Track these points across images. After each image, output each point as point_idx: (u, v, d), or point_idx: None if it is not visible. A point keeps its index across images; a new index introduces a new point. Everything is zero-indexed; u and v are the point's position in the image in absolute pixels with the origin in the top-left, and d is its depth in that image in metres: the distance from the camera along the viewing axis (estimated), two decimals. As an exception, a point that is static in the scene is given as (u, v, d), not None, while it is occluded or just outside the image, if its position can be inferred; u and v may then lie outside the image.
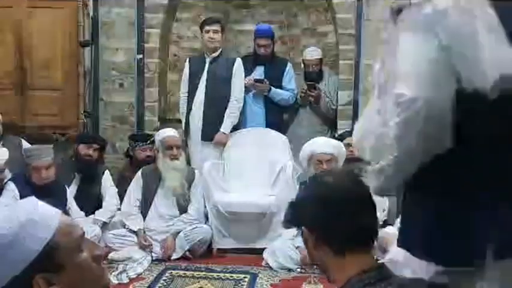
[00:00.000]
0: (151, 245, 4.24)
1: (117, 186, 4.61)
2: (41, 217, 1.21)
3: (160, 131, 4.64)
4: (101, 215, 4.37)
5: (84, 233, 1.26)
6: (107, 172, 4.58)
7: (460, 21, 1.31)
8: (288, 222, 1.49)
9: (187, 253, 4.28)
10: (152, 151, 4.70)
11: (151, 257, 4.19)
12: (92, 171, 4.48)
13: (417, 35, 1.35)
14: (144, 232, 4.30)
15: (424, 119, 1.30)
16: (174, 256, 4.25)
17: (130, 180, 4.52)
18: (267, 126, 5.08)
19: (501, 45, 1.30)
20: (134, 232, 4.30)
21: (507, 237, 1.35)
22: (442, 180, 1.39)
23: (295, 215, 1.46)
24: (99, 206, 4.44)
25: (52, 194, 3.64)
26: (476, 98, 1.29)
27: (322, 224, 1.38)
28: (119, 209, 4.49)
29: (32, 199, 1.26)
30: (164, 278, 3.86)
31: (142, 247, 4.21)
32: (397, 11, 1.42)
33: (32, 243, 1.16)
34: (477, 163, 1.37)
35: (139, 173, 4.50)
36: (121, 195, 4.53)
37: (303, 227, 1.43)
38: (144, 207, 4.42)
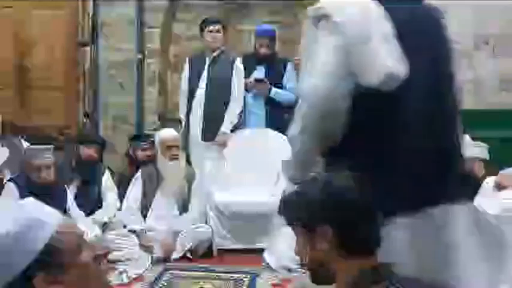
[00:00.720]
0: (152, 245, 4.24)
1: (117, 186, 4.61)
2: (41, 218, 1.22)
3: (160, 131, 4.64)
4: (101, 215, 4.37)
5: (84, 233, 1.27)
6: (107, 172, 4.58)
7: (358, 31, 1.68)
8: (299, 220, 1.45)
9: (187, 253, 4.28)
10: (152, 151, 4.70)
11: (152, 257, 4.19)
12: (92, 171, 4.47)
13: (326, 40, 1.73)
14: (146, 232, 4.30)
15: (324, 100, 1.69)
16: (174, 256, 4.25)
17: (130, 180, 4.52)
18: (267, 126, 5.08)
19: (390, 52, 1.67)
20: (134, 232, 4.30)
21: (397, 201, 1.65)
22: (349, 155, 1.67)
23: (311, 215, 1.42)
24: (99, 206, 4.43)
25: (52, 194, 3.64)
26: (367, 90, 1.66)
27: (344, 225, 1.37)
28: (119, 209, 4.49)
29: (32, 200, 1.27)
30: (164, 278, 3.85)
31: (144, 247, 4.21)
32: (319, 18, 1.75)
33: (32, 243, 1.17)
34: (372, 142, 1.70)
35: (139, 173, 4.50)
36: (121, 195, 4.53)
37: (316, 227, 1.40)
38: (144, 208, 4.42)
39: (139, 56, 5.39)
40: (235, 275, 3.90)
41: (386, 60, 1.66)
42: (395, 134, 1.72)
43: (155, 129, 5.15)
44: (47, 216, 1.24)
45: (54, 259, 1.19)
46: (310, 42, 1.78)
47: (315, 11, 1.76)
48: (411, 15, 1.81)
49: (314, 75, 1.72)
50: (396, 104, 1.69)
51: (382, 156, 1.70)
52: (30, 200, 1.27)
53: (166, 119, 5.70)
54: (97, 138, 4.80)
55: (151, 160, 4.61)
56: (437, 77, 1.80)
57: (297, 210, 1.45)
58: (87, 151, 4.47)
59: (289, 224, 1.49)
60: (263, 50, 5.17)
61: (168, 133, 4.49)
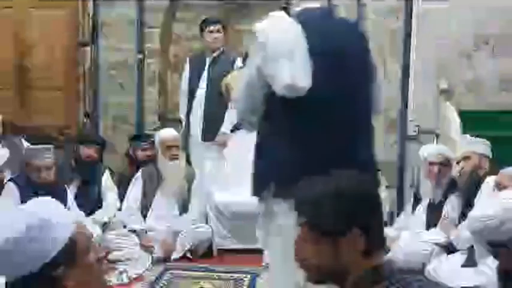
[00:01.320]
0: (153, 245, 4.24)
1: (117, 186, 4.60)
2: (61, 217, 1.30)
3: (160, 131, 4.64)
4: (101, 215, 4.36)
5: (92, 235, 1.36)
6: (107, 172, 4.58)
7: (273, 51, 2.18)
8: (334, 225, 1.33)
9: (187, 253, 4.28)
10: (152, 151, 4.69)
11: (152, 257, 4.19)
12: (92, 171, 4.47)
13: (252, 56, 2.36)
14: (146, 232, 4.30)
15: (247, 92, 2.34)
16: (174, 256, 4.24)
17: (130, 180, 4.52)
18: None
19: (293, 69, 2.15)
20: (134, 232, 4.30)
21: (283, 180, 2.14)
22: (271, 122, 2.32)
23: (341, 216, 1.32)
24: (99, 206, 4.43)
25: (52, 194, 3.60)
26: (275, 94, 2.22)
27: (373, 225, 1.36)
28: (119, 209, 4.48)
29: (51, 200, 1.35)
30: (164, 278, 3.86)
31: (144, 247, 4.21)
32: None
33: (53, 242, 1.25)
34: (283, 119, 2.28)
35: (139, 173, 4.50)
36: (121, 195, 4.52)
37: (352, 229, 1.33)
38: (144, 208, 4.41)
39: (140, 56, 5.39)
40: (235, 275, 3.90)
41: (287, 76, 2.14)
42: (302, 120, 2.24)
43: (155, 129, 5.15)
44: (65, 216, 1.31)
45: (70, 257, 1.26)
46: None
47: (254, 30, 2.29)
48: (328, 31, 2.26)
49: (243, 80, 2.41)
50: (299, 100, 2.17)
51: (288, 129, 2.26)
52: (50, 201, 1.35)
53: (166, 119, 5.70)
54: (97, 138, 4.79)
55: (152, 160, 4.61)
56: (346, 84, 2.22)
57: (330, 214, 1.33)
58: (87, 151, 4.47)
59: (311, 226, 1.36)
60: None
61: (168, 133, 4.49)
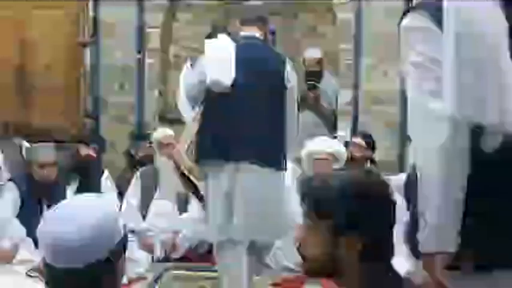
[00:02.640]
0: (152, 244, 4.24)
1: (117, 186, 4.59)
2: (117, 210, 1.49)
3: (156, 131, 4.65)
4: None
5: None
6: (106, 172, 4.56)
7: (209, 60, 3.12)
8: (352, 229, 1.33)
9: (187, 253, 4.28)
10: (152, 151, 4.70)
11: (152, 257, 4.19)
12: (91, 171, 4.44)
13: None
14: (146, 232, 4.29)
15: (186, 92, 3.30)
16: (174, 256, 4.24)
17: (130, 180, 4.52)
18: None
19: (220, 69, 3.05)
20: (134, 232, 4.29)
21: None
22: (208, 109, 3.20)
23: (342, 215, 1.32)
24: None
25: (52, 194, 3.64)
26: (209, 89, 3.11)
27: (375, 230, 1.33)
28: (119, 209, 4.48)
29: (114, 196, 1.50)
30: (164, 278, 3.86)
31: (144, 247, 4.21)
32: None
33: (118, 233, 1.34)
34: (215, 108, 3.14)
35: (137, 173, 4.50)
36: (121, 195, 4.52)
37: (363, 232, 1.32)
38: (144, 207, 4.41)
39: (139, 56, 5.40)
40: None
41: (214, 74, 3.02)
42: (223, 106, 3.07)
43: (155, 129, 5.16)
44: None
45: (123, 249, 1.35)
46: None
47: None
48: (250, 51, 3.18)
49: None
50: (226, 96, 3.05)
51: (217, 115, 3.10)
52: (114, 196, 1.49)
53: (166, 119, 5.70)
54: (95, 137, 4.78)
55: (151, 160, 4.62)
56: (260, 86, 3.08)
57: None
58: (86, 151, 4.44)
59: (314, 217, 1.37)
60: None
61: (163, 132, 4.53)
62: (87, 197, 1.46)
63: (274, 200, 3.12)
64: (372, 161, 4.50)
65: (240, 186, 3.02)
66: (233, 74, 3.02)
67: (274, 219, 3.12)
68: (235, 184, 3.02)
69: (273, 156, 3.12)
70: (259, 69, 3.11)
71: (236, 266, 3.06)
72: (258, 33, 3.25)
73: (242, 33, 3.28)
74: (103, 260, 1.29)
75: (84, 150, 4.43)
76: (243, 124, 3.06)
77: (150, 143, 4.78)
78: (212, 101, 3.10)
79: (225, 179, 3.03)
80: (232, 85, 3.03)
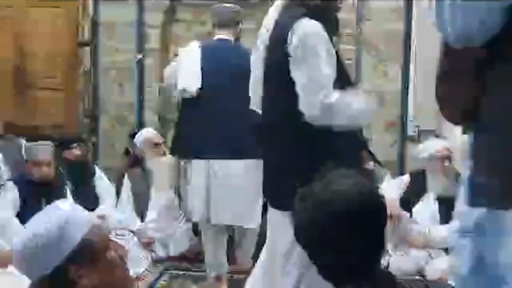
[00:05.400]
0: (152, 242, 4.22)
1: (117, 186, 4.58)
2: (77, 216, 1.38)
3: (140, 133, 4.64)
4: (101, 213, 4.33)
5: (109, 232, 1.37)
6: (98, 170, 4.50)
7: (178, 66, 3.61)
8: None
9: (187, 253, 4.28)
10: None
11: (152, 256, 4.19)
12: (82, 171, 4.38)
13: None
14: (144, 230, 4.28)
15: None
16: (172, 254, 4.25)
17: (129, 180, 4.51)
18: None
19: (188, 77, 3.46)
20: (133, 232, 4.29)
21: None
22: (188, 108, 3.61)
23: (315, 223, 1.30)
24: (96, 206, 4.38)
25: (52, 194, 3.63)
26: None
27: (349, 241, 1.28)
28: (117, 208, 4.46)
29: (68, 200, 1.47)
30: (164, 278, 3.86)
31: (143, 244, 4.19)
32: None
33: (70, 238, 1.33)
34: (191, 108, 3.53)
35: (135, 172, 4.50)
36: (120, 195, 4.50)
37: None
38: (142, 206, 4.40)
39: (139, 56, 5.40)
40: (235, 275, 3.90)
41: (181, 83, 3.45)
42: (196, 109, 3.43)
43: (155, 129, 5.15)
44: (81, 215, 1.40)
45: (87, 254, 1.33)
46: None
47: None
48: (218, 52, 3.54)
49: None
50: (197, 98, 3.43)
51: (189, 115, 3.50)
52: (67, 201, 1.51)
53: (167, 119, 5.69)
54: (77, 138, 4.69)
55: (147, 159, 4.62)
56: (228, 86, 3.33)
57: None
58: (74, 152, 4.37)
59: None
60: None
61: (150, 133, 4.61)
62: (54, 206, 1.44)
63: (242, 188, 3.37)
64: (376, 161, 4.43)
65: (215, 177, 3.40)
66: (199, 84, 3.39)
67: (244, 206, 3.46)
68: (210, 174, 3.41)
69: (242, 148, 3.31)
70: (224, 68, 3.41)
71: (213, 242, 3.58)
72: (228, 36, 3.57)
73: (216, 37, 3.60)
74: (55, 272, 1.31)
75: (71, 154, 4.36)
76: (214, 123, 3.38)
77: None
78: (185, 102, 3.53)
79: (203, 170, 3.43)
80: (201, 87, 3.40)
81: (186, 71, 3.45)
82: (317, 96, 2.07)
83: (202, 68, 3.43)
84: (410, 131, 5.16)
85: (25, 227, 1.40)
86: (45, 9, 5.28)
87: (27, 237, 1.32)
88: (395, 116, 5.17)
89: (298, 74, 2.13)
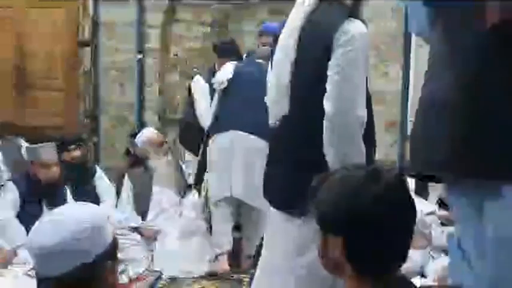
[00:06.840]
0: (156, 236, 4.21)
1: (117, 186, 4.58)
2: (107, 216, 1.53)
3: (141, 133, 4.64)
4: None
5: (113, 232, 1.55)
6: (98, 170, 4.49)
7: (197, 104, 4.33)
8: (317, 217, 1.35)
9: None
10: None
11: (152, 256, 4.18)
12: (82, 172, 4.38)
13: None
14: (147, 227, 4.26)
15: None
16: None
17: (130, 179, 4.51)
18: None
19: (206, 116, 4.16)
20: (134, 230, 4.27)
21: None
22: None
23: (330, 218, 1.31)
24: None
25: (53, 194, 3.63)
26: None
27: (362, 238, 1.29)
28: (117, 207, 4.46)
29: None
30: (164, 278, 3.85)
31: (146, 238, 4.17)
32: None
33: (107, 235, 1.44)
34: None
35: (136, 171, 4.49)
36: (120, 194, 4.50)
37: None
38: (143, 205, 4.40)
39: (140, 56, 5.40)
40: (235, 275, 3.90)
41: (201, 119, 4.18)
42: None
43: (156, 129, 5.16)
44: (107, 220, 1.51)
45: (115, 252, 1.45)
46: None
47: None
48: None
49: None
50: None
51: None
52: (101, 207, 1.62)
53: (166, 119, 5.70)
54: (75, 139, 4.68)
55: (150, 158, 4.62)
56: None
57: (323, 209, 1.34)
58: (73, 154, 4.36)
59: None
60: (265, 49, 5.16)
61: (152, 132, 4.61)
62: (76, 205, 1.57)
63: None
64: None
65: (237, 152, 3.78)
66: (209, 120, 3.99)
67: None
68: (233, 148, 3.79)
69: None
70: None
71: (222, 222, 3.98)
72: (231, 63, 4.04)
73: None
74: (89, 265, 1.37)
75: (69, 156, 4.34)
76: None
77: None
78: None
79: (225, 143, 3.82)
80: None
81: (202, 109, 4.26)
82: (352, 103, 2.08)
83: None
84: (411, 131, 5.16)
85: (62, 216, 1.43)
86: (45, 9, 5.28)
87: (71, 228, 1.37)
88: (396, 116, 5.17)
89: (342, 76, 2.10)
